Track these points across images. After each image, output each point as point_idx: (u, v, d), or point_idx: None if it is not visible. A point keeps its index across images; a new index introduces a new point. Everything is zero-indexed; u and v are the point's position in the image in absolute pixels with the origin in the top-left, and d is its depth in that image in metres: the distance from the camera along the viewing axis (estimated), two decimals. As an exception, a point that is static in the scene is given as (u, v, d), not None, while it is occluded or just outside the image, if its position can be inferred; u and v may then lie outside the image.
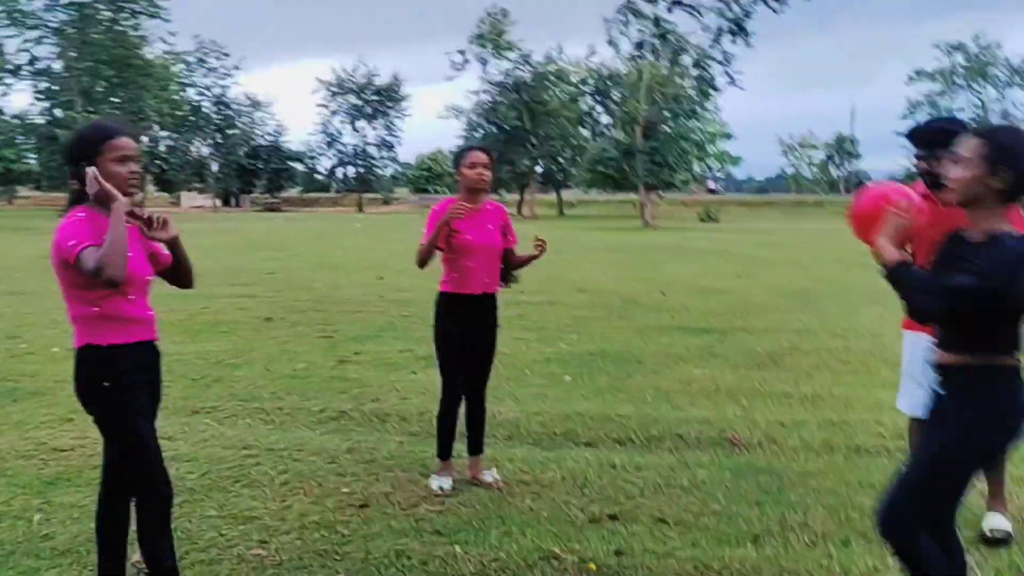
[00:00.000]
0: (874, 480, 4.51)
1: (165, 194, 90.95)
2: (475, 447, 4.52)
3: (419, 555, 3.54)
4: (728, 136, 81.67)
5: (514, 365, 7.45)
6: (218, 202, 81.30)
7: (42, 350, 7.76)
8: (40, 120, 52.78)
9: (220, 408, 5.86)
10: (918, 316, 2.71)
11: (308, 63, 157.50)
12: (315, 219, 51.30)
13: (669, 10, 39.08)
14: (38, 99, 52.22)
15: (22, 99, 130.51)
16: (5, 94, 74.35)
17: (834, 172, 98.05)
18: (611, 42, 43.40)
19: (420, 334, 8.69)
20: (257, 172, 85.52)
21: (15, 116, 52.25)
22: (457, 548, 3.61)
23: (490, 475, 4.44)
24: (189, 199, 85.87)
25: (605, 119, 62.56)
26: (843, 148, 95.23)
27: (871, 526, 3.80)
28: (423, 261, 4.37)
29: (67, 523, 3.79)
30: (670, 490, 4.37)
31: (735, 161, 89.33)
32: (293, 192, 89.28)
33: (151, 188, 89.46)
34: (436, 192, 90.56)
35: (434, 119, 71.23)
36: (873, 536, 3.73)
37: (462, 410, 4.53)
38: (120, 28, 49.43)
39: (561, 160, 61.73)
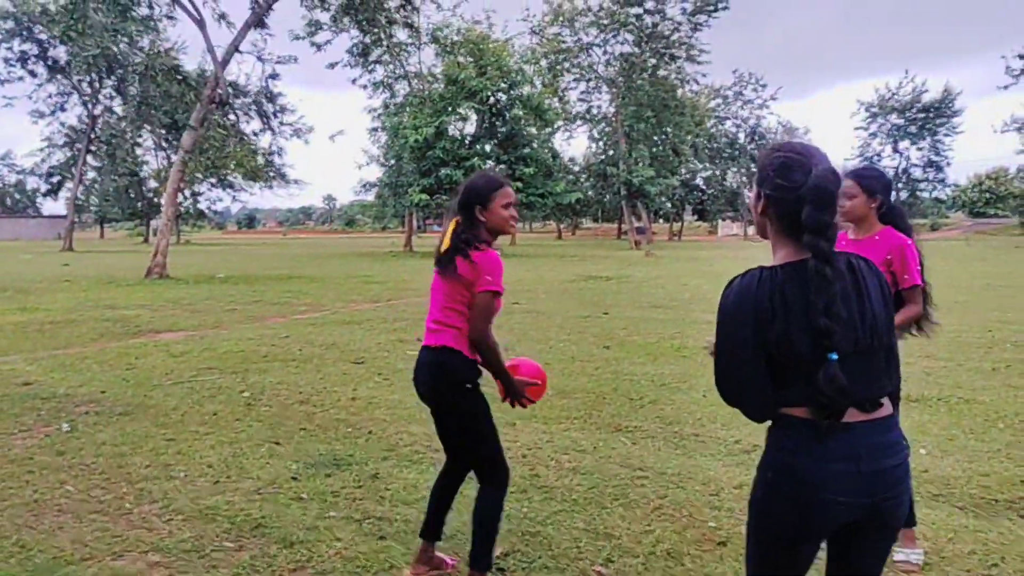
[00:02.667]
0: None
1: (702, 223, 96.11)
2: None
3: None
4: None
5: (986, 416, 6.41)
6: (750, 230, 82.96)
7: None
8: (594, 160, 60.12)
9: (641, 428, 6.11)
10: None
11: (850, 86, 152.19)
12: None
13: None
14: (592, 140, 59.72)
15: (581, 143, 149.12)
16: (570, 138, 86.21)
17: None
18: None
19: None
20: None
21: (571, 159, 60.30)
22: None
23: (902, 554, 3.74)
24: (725, 228, 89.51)
25: None
26: None
27: None
28: None
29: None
30: (1115, 593, 3.41)
31: None
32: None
33: (689, 217, 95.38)
34: (997, 216, 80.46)
35: (987, 136, 63.07)
36: None
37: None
38: (661, 73, 53.73)
39: None
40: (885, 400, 2.02)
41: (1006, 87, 54.12)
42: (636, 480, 4.89)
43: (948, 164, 75.15)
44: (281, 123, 29.24)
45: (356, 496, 4.61)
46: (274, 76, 26.27)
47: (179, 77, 24.47)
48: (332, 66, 42.92)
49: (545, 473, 5.02)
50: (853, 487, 1.93)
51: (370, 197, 53.98)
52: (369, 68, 42.08)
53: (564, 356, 9.36)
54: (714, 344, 2.07)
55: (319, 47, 31.91)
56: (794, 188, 1.99)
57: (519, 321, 12.50)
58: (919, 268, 3.68)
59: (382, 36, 27.89)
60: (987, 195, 79.73)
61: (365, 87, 43.50)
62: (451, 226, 3.41)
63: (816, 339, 1.90)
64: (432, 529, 3.61)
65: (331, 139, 48.24)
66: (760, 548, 2.08)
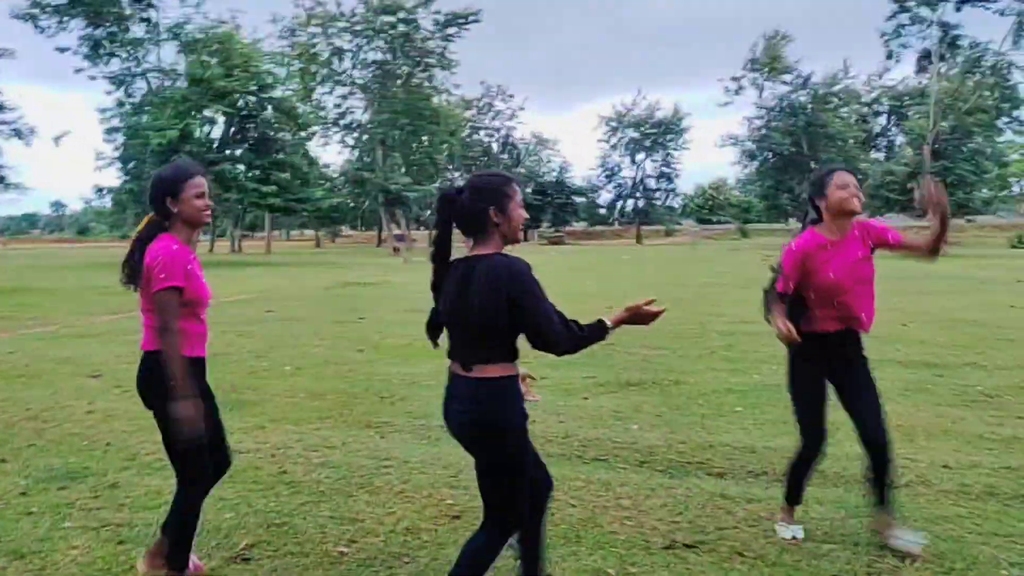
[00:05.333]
0: (1016, 531, 4.00)
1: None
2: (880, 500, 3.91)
3: (479, 565, 3.73)
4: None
5: (690, 395, 7.35)
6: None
7: (276, 368, 8.91)
8: (350, 166, 59.83)
9: (390, 424, 6.41)
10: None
11: (610, 100, 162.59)
12: (586, 251, 52.75)
13: (957, 8, 35.49)
14: (347, 148, 59.42)
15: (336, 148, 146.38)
16: (326, 144, 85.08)
17: None
18: (890, 55, 40.38)
19: (610, 362, 8.86)
20: (543, 207, 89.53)
21: (326, 165, 59.63)
22: (519, 562, 3.75)
23: (903, 539, 3.77)
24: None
25: (902, 139, 58.52)
26: None
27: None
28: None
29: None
30: (768, 525, 4.17)
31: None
32: (579, 226, 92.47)
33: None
34: (720, 222, 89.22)
35: (711, 150, 70.28)
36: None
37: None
38: (415, 81, 54.48)
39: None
40: (476, 366, 2.83)
41: (724, 105, 60.42)
42: (382, 469, 5.18)
43: (678, 176, 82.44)
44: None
45: (93, 506, 4.52)
46: (-11, 70, 23.76)
47: None
48: (63, 51, 39.66)
49: (293, 469, 5.18)
50: (448, 416, 2.99)
51: (107, 203, 50.19)
52: (103, 61, 39.28)
53: (318, 360, 9.46)
54: None
55: (43, 29, 29.12)
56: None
57: (271, 329, 12.37)
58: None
59: (116, 31, 26.04)
60: (710, 203, 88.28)
61: (95, 78, 40.58)
62: (143, 223, 3.39)
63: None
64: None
65: (55, 142, 44.22)
66: None
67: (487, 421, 2.82)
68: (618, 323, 2.94)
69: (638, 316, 2.97)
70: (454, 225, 2.91)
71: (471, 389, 2.85)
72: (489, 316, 2.75)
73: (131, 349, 10.21)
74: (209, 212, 3.38)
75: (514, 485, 2.91)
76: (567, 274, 26.49)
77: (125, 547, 3.94)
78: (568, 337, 2.79)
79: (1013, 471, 4.95)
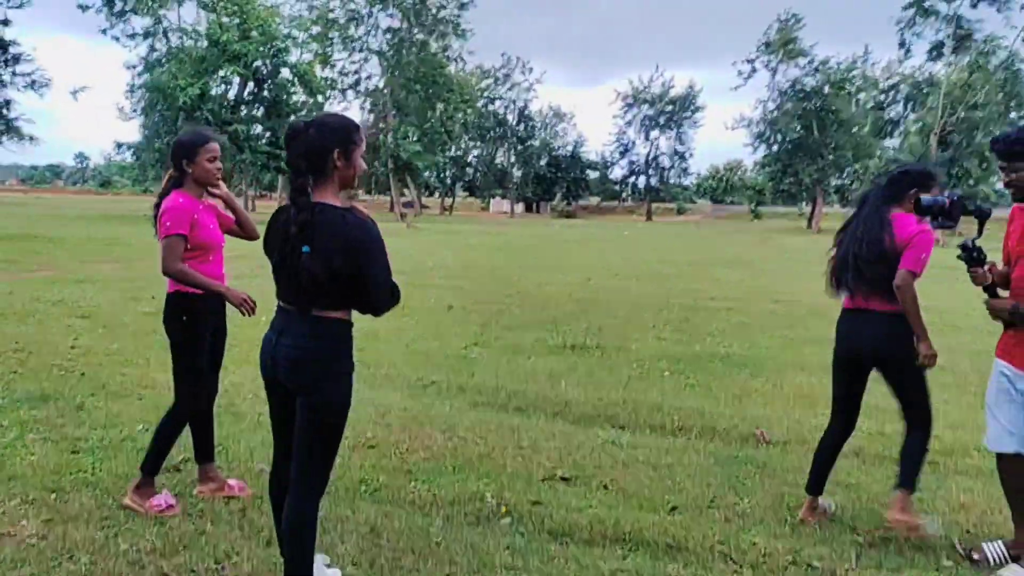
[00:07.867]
0: (856, 481, 4.56)
1: (474, 199, 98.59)
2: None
3: (376, 484, 4.33)
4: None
5: (627, 360, 7.89)
6: (519, 207, 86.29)
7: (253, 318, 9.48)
8: (365, 132, 60.06)
9: (341, 370, 6.99)
10: None
11: (615, 82, 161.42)
12: (592, 226, 53.19)
13: (973, 5, 35.48)
14: (363, 112, 59.72)
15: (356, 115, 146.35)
16: (346, 109, 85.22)
17: None
18: (902, 44, 40.35)
19: (564, 328, 9.41)
20: (555, 180, 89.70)
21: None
22: (412, 484, 4.34)
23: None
24: (498, 205, 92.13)
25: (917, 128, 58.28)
26: None
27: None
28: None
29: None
30: (641, 466, 4.73)
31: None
32: (592, 200, 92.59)
33: (462, 194, 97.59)
34: (734, 203, 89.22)
35: (723, 131, 70.06)
36: (791, 523, 3.94)
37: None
38: (432, 49, 54.62)
39: (855, 171, 57.83)
40: (317, 310, 2.72)
41: (736, 88, 60.25)
42: (319, 406, 5.76)
43: (691, 155, 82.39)
44: (14, 73, 27.07)
45: (57, 423, 5.14)
46: (5, 23, 24.38)
47: None
48: (84, 9, 40.43)
49: (240, 403, 5.78)
50: (274, 353, 2.81)
51: (127, 157, 50.81)
52: (123, 19, 39.84)
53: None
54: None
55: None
56: None
57: (258, 283, 12.95)
58: None
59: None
60: (724, 184, 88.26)
61: (118, 39, 41.23)
62: (164, 180, 3.95)
63: None
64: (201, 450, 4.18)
65: (73, 96, 44.71)
66: None
67: (323, 359, 2.76)
68: None
69: None
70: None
71: (309, 325, 2.74)
72: (334, 267, 2.64)
73: (123, 295, 10.87)
74: (218, 175, 3.90)
75: (328, 445, 2.88)
76: (561, 246, 27.03)
77: (78, 456, 4.55)
78: (390, 299, 2.79)
79: (887, 436, 5.49)
